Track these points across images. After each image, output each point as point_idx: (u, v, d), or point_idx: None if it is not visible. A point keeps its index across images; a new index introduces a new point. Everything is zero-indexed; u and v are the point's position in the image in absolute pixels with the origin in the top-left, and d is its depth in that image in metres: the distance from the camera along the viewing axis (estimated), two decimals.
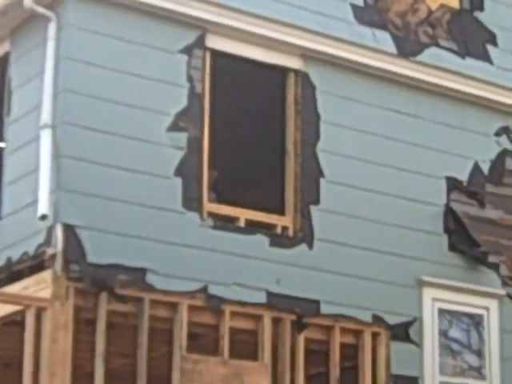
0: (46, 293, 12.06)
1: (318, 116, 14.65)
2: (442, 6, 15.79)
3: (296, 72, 14.68)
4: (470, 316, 15.25)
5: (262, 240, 13.94)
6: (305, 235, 14.26)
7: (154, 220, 13.14)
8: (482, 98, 15.58)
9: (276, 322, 13.53)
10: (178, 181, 13.44)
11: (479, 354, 15.23)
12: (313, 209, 14.35)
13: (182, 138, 13.58)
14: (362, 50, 15.01)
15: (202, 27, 13.94)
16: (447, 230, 15.23)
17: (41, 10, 13.17)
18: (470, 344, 15.21)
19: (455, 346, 15.11)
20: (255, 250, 13.81)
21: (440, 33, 15.69)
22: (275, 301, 13.64)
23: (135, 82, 13.40)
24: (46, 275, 12.21)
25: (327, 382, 13.74)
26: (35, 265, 12.55)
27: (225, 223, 13.87)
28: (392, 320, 14.46)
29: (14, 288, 12.53)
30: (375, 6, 15.42)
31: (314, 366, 13.86)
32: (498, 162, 15.86)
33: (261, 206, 14.38)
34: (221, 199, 14.23)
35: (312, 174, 14.50)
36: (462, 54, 15.83)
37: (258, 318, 13.44)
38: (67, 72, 13.08)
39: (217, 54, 14.13)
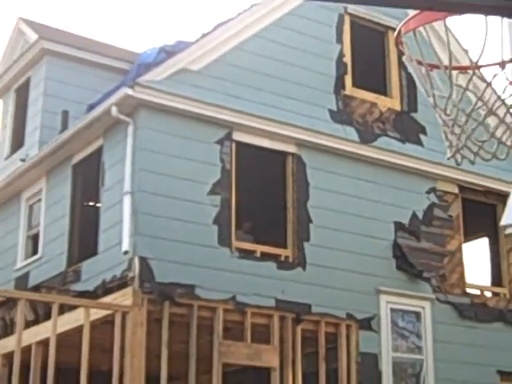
0: (128, 302, 12.13)
1: (307, 183, 14.54)
2: (389, 109, 15.67)
3: (293, 155, 14.55)
4: (412, 312, 15.03)
5: (271, 265, 13.83)
6: (300, 261, 14.12)
7: (200, 253, 13.08)
8: (417, 169, 15.41)
9: (282, 318, 13.40)
10: (215, 227, 13.38)
11: (419, 337, 14.98)
12: (305, 244, 14.23)
13: (217, 199, 13.53)
14: (336, 139, 14.87)
15: (230, 126, 13.89)
16: (395, 256, 15.03)
17: (123, 117, 13.27)
18: (412, 331, 14.96)
19: (402, 333, 14.85)
20: (267, 271, 13.70)
21: (388, 127, 15.58)
22: (281, 305, 13.52)
23: (186, 163, 13.39)
24: (128, 290, 12.29)
25: (317, 358, 13.58)
26: (121, 284, 12.67)
27: (246, 254, 13.80)
28: (360, 316, 14.27)
29: (107, 299, 12.56)
30: (344, 110, 15.28)
31: (307, 347, 13.62)
32: (429, 210, 15.65)
33: (271, 243, 14.33)
34: (246, 239, 14.25)
35: (304, 221, 14.36)
36: (403, 141, 15.67)
37: (269, 316, 13.32)
38: (141, 158, 13.15)
39: (240, 144, 14.04)
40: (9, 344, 12.50)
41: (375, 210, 15.04)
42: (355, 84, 15.42)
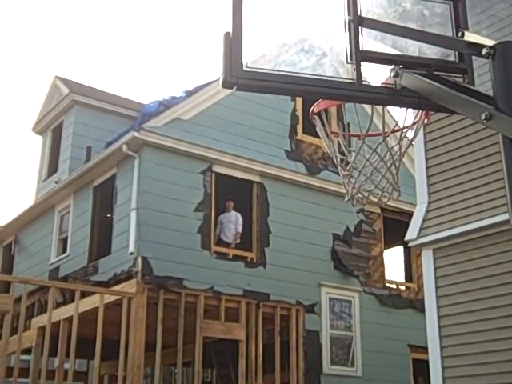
0: (133, 290, 12.11)
1: (268, 204, 14.64)
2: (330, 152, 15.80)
3: (257, 183, 14.62)
4: (345, 301, 15.06)
5: (240, 264, 13.92)
6: (262, 262, 14.19)
7: (187, 254, 13.10)
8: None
9: (248, 304, 13.36)
10: (199, 236, 13.43)
11: (350, 318, 14.98)
12: (266, 249, 14.31)
13: (201, 215, 13.58)
14: (289, 172, 14.97)
15: (211, 161, 13.96)
16: (332, 259, 15.11)
17: (131, 153, 13.33)
18: (345, 314, 14.97)
19: (338, 315, 14.86)
20: (237, 269, 13.78)
21: (329, 163, 15.45)
22: (247, 294, 13.54)
23: (178, 188, 13.40)
24: (133, 281, 12.28)
25: (274, 333, 13.48)
26: (128, 276, 12.65)
27: (222, 256, 13.84)
28: (306, 303, 14.29)
29: (117, 287, 12.53)
30: (296, 150, 15.34)
31: (267, 325, 13.60)
32: (358, 225, 15.75)
33: (241, 248, 14.40)
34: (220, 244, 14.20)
35: (265, 232, 14.45)
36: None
37: (238, 302, 13.26)
38: (144, 183, 13.18)
39: (218, 175, 14.07)
40: (43, 320, 12.42)
41: (318, 224, 15.06)
42: (304, 131, 15.46)
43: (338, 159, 4.12)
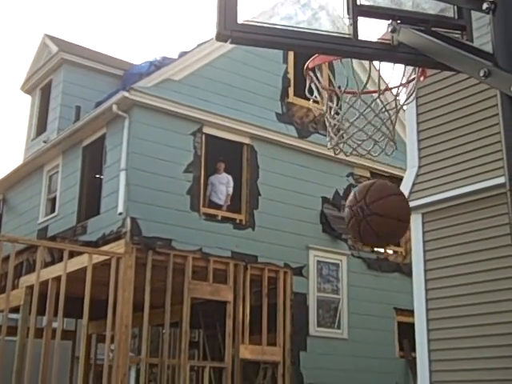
0: (121, 250, 12.08)
1: (258, 166, 14.62)
2: (320, 114, 15.72)
3: (247, 145, 14.59)
4: (333, 264, 15.14)
5: (229, 226, 13.94)
6: (251, 224, 14.22)
7: (176, 216, 13.10)
8: (339, 158, 14.88)
9: (236, 265, 13.40)
10: (188, 197, 13.42)
11: (338, 281, 15.08)
12: (255, 211, 14.33)
13: (190, 176, 13.56)
14: (280, 135, 14.92)
15: (201, 122, 13.88)
16: (321, 222, 15.15)
17: (121, 113, 13.23)
18: (333, 277, 15.06)
19: (325, 278, 14.95)
20: (226, 230, 13.80)
21: (319, 126, 15.43)
22: (235, 255, 13.58)
23: (168, 149, 13.34)
24: (122, 242, 12.26)
25: (261, 295, 13.57)
26: (116, 236, 12.64)
27: (211, 217, 13.87)
28: (294, 265, 14.35)
29: (106, 248, 12.52)
30: (287, 113, 15.30)
31: (254, 287, 13.69)
32: (348, 189, 15.61)
33: (230, 210, 14.41)
34: (210, 206, 14.19)
35: (255, 194, 14.45)
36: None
37: (226, 264, 13.30)
38: (134, 144, 13.09)
39: (208, 136, 14.01)
40: (31, 279, 12.41)
41: (308, 188, 15.07)
42: (296, 94, 15.41)
43: (328, 109, 4.14)
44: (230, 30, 3.06)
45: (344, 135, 4.13)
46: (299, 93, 15.37)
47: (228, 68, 14.62)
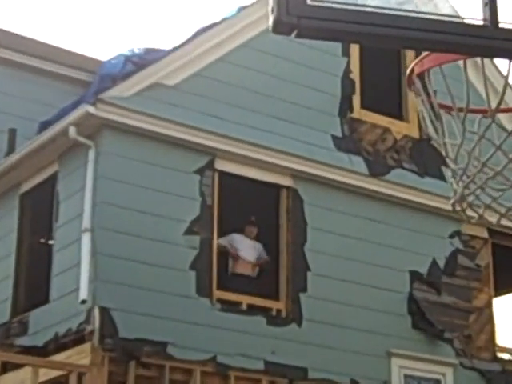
0: (85, 361, 12.05)
1: (305, 223, 14.60)
2: (405, 136, 15.75)
3: (287, 188, 14.62)
4: (431, 380, 15.00)
5: (260, 320, 13.85)
6: (295, 316, 14.13)
7: (173, 304, 13.11)
8: (438, 208, 15.31)
9: None
10: (193, 273, 13.42)
11: None
12: (301, 295, 14.26)
13: (196, 240, 13.58)
14: (339, 171, 14.95)
15: (212, 153, 13.95)
16: (410, 312, 15.08)
17: (82, 139, 13.30)
18: None
19: None
20: (255, 328, 13.70)
21: (404, 157, 15.64)
22: (271, 368, 13.52)
23: (158, 196, 13.44)
24: (86, 347, 12.23)
25: None
26: (77, 339, 12.62)
27: (230, 306, 13.81)
28: (367, 383, 14.24)
29: (59, 357, 12.48)
30: (351, 136, 15.34)
31: None
32: (452, 258, 15.67)
33: (260, 294, 14.34)
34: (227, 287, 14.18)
35: (301, 268, 14.39)
36: (422, 174, 15.74)
37: (257, 382, 13.27)
38: (103, 188, 13.23)
39: (224, 174, 14.11)
40: None
41: (386, 256, 15.05)
42: (364, 105, 15.48)
43: (445, 143, 4.42)
44: (297, 15, 3.18)
45: (472, 183, 4.18)
46: (370, 103, 15.44)
47: (251, 64, 14.75)
